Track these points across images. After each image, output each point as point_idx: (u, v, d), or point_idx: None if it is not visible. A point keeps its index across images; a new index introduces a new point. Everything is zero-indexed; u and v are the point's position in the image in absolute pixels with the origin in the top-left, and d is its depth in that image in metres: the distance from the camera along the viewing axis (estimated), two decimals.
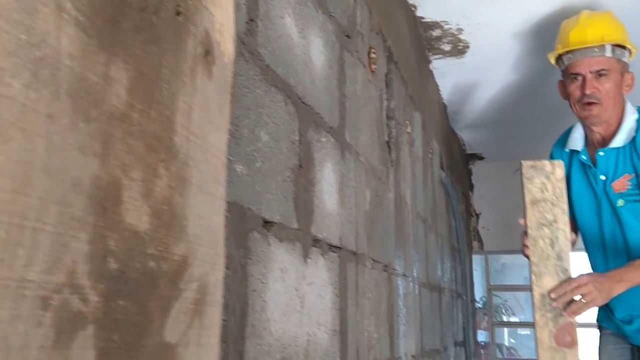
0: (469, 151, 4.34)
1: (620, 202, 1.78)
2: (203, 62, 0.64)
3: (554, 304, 1.51)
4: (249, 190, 0.80)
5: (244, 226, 0.79)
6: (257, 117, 0.84)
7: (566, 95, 1.84)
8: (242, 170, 0.78)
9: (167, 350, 0.55)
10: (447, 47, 2.49)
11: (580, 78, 1.77)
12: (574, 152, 1.88)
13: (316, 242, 1.07)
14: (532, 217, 1.57)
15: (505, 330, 8.05)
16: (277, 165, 0.91)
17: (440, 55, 2.57)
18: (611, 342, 1.96)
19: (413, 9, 2.15)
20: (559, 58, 1.87)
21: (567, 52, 1.82)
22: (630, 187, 1.75)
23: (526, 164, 1.60)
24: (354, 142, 1.36)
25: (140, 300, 0.51)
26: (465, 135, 3.95)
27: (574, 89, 1.79)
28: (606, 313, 1.90)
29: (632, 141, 1.73)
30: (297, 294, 0.96)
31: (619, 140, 1.75)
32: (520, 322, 6.88)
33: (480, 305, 5.37)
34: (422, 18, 2.22)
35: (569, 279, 1.53)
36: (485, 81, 2.92)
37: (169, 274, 0.55)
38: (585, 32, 1.81)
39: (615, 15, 1.90)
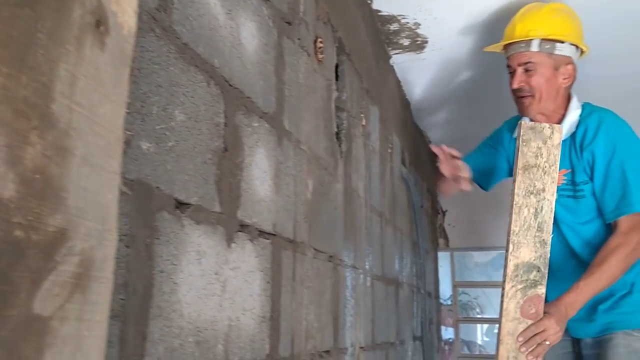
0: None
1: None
2: (93, 32, 0.62)
3: (522, 348, 1.54)
4: (157, 169, 0.79)
5: (151, 205, 0.77)
6: (171, 96, 0.83)
7: None
8: (149, 147, 0.77)
9: (37, 323, 0.53)
10: (405, 42, 2.49)
11: (512, 72, 1.84)
12: None
13: (244, 227, 1.06)
14: (522, 184, 1.52)
15: (479, 327, 8.13)
16: (196, 147, 0.90)
17: (400, 50, 2.57)
18: None
19: (369, 1, 2.14)
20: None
21: (505, 46, 1.90)
22: (565, 182, 1.78)
23: (526, 124, 1.54)
24: (294, 130, 1.36)
25: (2, 269, 0.50)
26: (431, 133, 3.97)
27: (509, 82, 1.86)
28: None
29: (572, 137, 1.76)
30: (217, 278, 0.95)
31: None
32: (484, 318, 6.95)
33: (448, 302, 5.41)
34: (379, 11, 2.22)
35: (536, 323, 1.54)
36: (447, 77, 2.93)
37: (41, 245, 0.54)
38: (514, 27, 1.88)
39: (562, 9, 1.91)
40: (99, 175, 0.62)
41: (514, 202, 1.51)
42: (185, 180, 0.86)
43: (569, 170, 1.78)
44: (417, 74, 2.85)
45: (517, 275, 1.51)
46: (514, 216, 1.51)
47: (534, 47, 1.80)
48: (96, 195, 0.62)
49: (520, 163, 1.51)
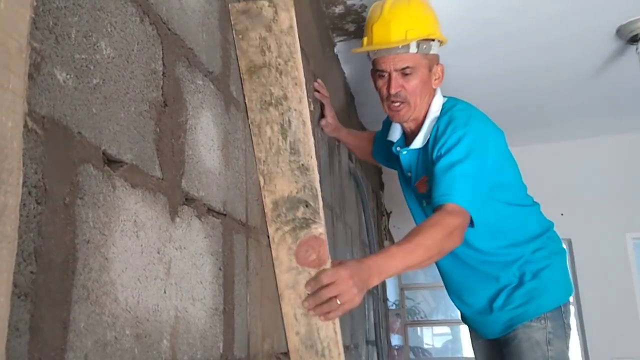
0: None
1: (424, 202, 1.75)
2: None
3: (305, 304, 1.21)
4: (79, 110, 0.61)
5: (71, 154, 0.59)
6: (95, 21, 0.65)
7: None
8: (67, 80, 0.59)
9: None
10: (351, 28, 2.37)
11: (386, 75, 1.66)
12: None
13: (190, 201, 0.89)
14: (252, 93, 1.12)
15: (425, 333, 8.12)
16: (129, 92, 0.72)
17: (345, 37, 2.44)
18: (474, 337, 1.97)
19: None
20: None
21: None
22: (428, 189, 1.67)
23: (235, 8, 1.10)
24: (242, 99, 1.19)
25: None
26: (374, 129, 3.87)
27: (381, 86, 1.68)
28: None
29: (427, 144, 1.67)
30: (160, 258, 0.77)
31: (417, 142, 1.69)
32: (433, 320, 6.95)
33: (393, 307, 5.30)
34: None
35: (326, 272, 1.19)
36: None
37: None
38: (388, 29, 1.65)
39: (425, 1, 1.75)
40: None
41: (250, 120, 1.13)
42: (116, 131, 0.68)
43: (429, 177, 1.68)
44: (360, 65, 2.73)
45: (279, 215, 1.18)
46: (254, 138, 1.15)
47: (413, 49, 1.62)
48: None
49: (242, 64, 1.11)
